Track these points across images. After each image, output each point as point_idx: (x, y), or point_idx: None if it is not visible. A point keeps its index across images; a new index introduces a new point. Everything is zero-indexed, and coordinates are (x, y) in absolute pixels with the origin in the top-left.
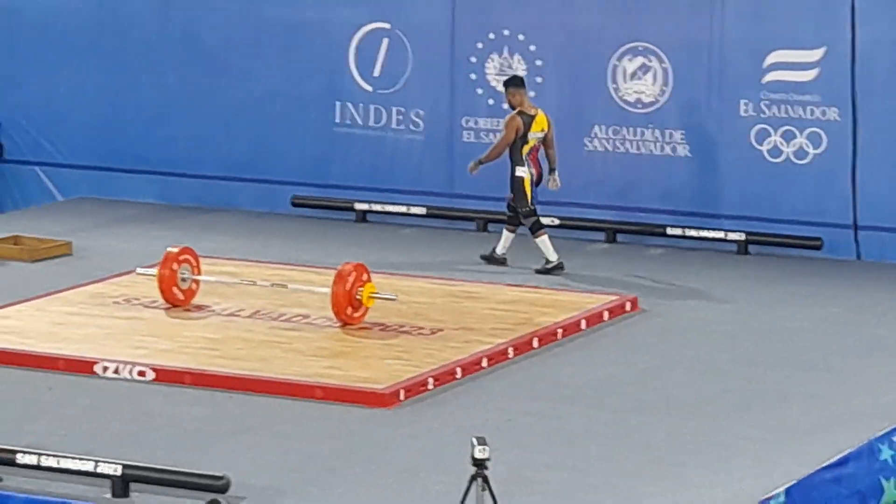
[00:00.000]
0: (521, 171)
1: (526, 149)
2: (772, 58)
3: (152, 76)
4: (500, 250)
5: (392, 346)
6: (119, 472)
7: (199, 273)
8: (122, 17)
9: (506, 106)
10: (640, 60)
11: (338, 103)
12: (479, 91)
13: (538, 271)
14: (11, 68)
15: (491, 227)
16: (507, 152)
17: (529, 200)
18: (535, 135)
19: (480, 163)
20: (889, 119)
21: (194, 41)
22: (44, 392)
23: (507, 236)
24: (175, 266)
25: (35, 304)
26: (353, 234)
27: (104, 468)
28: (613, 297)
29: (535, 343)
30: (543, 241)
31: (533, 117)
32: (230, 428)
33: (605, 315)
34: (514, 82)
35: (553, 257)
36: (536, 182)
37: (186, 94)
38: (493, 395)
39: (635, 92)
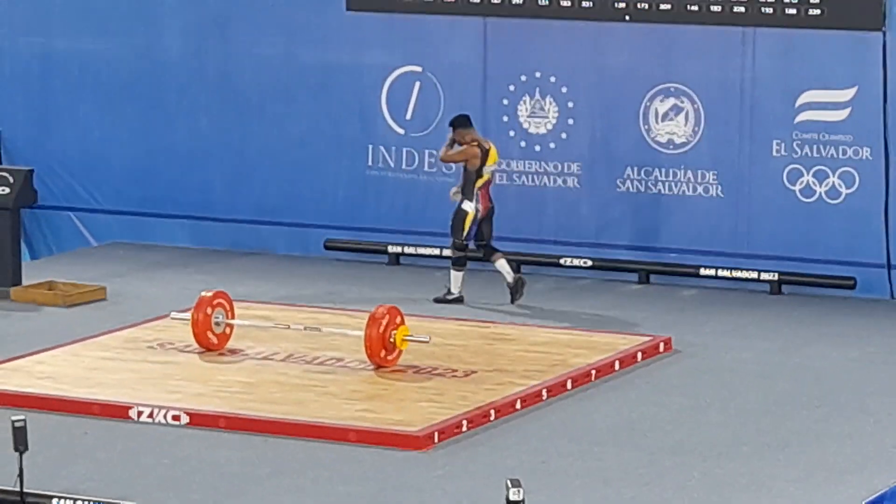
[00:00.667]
0: (468, 206)
1: (480, 182)
2: (803, 98)
3: (186, 121)
4: (509, 278)
5: (426, 388)
6: None
7: (232, 317)
8: (157, 63)
9: (538, 148)
10: (671, 101)
11: (370, 146)
12: (512, 133)
13: (436, 300)
14: (46, 114)
15: (524, 268)
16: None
17: (464, 235)
18: (489, 168)
19: (458, 204)
20: None
21: (228, 85)
22: (79, 437)
23: (501, 265)
24: (209, 310)
25: (70, 350)
26: (386, 276)
27: None
28: (647, 339)
29: (569, 385)
30: (458, 275)
31: (487, 151)
32: (265, 472)
33: (639, 356)
34: (461, 122)
35: (456, 290)
36: (489, 215)
37: (220, 139)
38: (526, 437)
39: (667, 133)
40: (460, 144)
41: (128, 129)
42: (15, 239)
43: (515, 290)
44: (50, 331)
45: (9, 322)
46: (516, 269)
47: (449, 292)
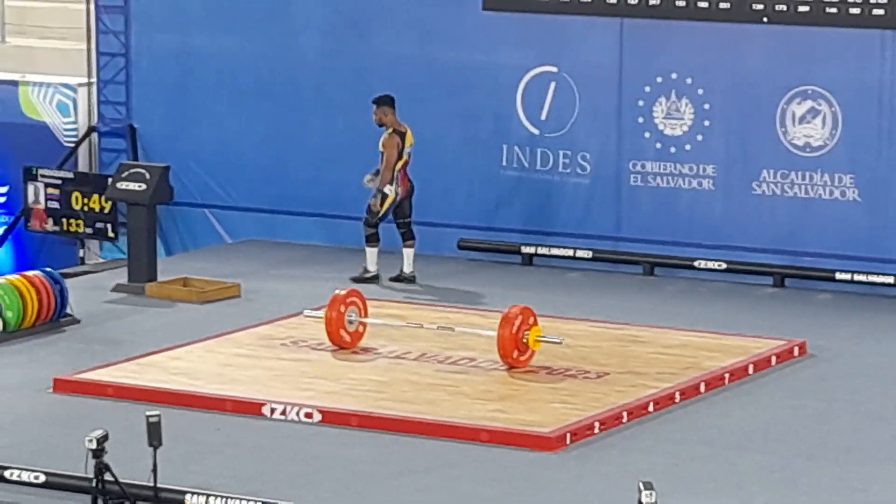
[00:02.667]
0: (388, 189)
1: (399, 164)
2: None
3: (321, 119)
4: (406, 269)
5: (558, 389)
6: None
7: (365, 316)
8: (293, 61)
9: (673, 149)
10: (808, 104)
11: (504, 146)
12: (647, 134)
13: (353, 279)
14: (183, 112)
15: (658, 270)
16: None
17: (380, 216)
18: (407, 150)
19: (379, 191)
20: None
21: (363, 84)
22: (212, 433)
23: (408, 253)
24: (342, 308)
25: (204, 346)
26: (520, 277)
27: None
28: (781, 342)
29: (702, 388)
30: (372, 252)
31: (404, 134)
32: (396, 470)
33: (773, 360)
34: (386, 101)
35: (373, 269)
36: (409, 194)
37: (354, 137)
38: (659, 440)
39: (804, 136)
40: (381, 125)
41: (263, 127)
42: (150, 235)
43: (399, 279)
44: (184, 327)
45: (144, 318)
46: (649, 272)
47: (366, 270)
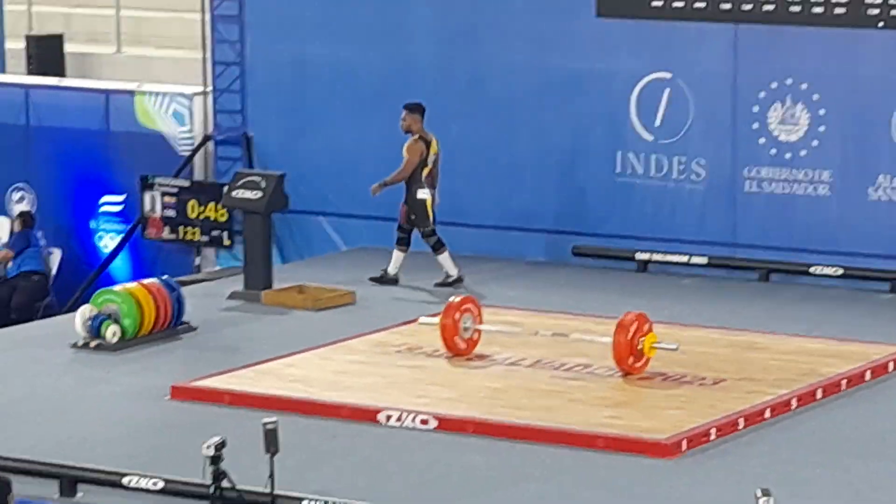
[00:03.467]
0: (423, 194)
1: (425, 172)
2: None
3: (436, 127)
4: (391, 270)
5: (674, 396)
6: None
7: (480, 322)
8: (408, 69)
9: (789, 155)
10: None
11: (619, 153)
12: (762, 140)
13: (438, 284)
14: (299, 120)
15: (773, 276)
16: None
17: (431, 220)
18: (432, 158)
19: (385, 185)
20: None
21: (477, 92)
22: (328, 440)
23: (397, 256)
24: (457, 316)
25: (319, 353)
26: (634, 283)
27: None
28: None
29: (819, 394)
30: (445, 257)
31: (429, 142)
32: (512, 477)
33: (890, 366)
34: (418, 108)
35: (454, 272)
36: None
37: (469, 145)
38: (775, 447)
39: None
40: (408, 131)
41: (378, 135)
42: (266, 243)
43: (382, 280)
44: (299, 334)
45: (260, 325)
46: (765, 278)
47: (448, 276)
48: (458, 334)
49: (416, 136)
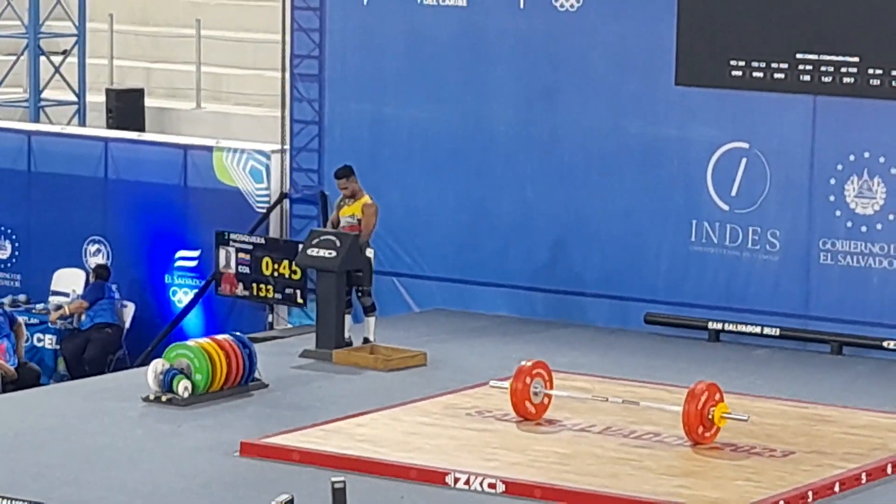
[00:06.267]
0: (370, 253)
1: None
2: None
3: (511, 189)
4: (370, 335)
5: (743, 467)
6: None
7: (551, 387)
8: (485, 130)
9: (865, 228)
10: None
11: (694, 221)
12: (838, 213)
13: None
14: (375, 179)
15: (846, 349)
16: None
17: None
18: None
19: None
20: None
21: (554, 155)
22: (396, 501)
23: (347, 319)
24: (528, 380)
25: (389, 414)
26: (706, 352)
27: None
28: None
29: (889, 469)
30: (373, 321)
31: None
32: None
33: None
34: (351, 170)
35: (372, 337)
36: None
37: (544, 208)
38: None
39: None
40: (351, 197)
41: (453, 196)
42: (339, 302)
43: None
44: (370, 394)
45: (330, 384)
46: (837, 351)
47: (366, 340)
48: (529, 398)
49: (368, 197)
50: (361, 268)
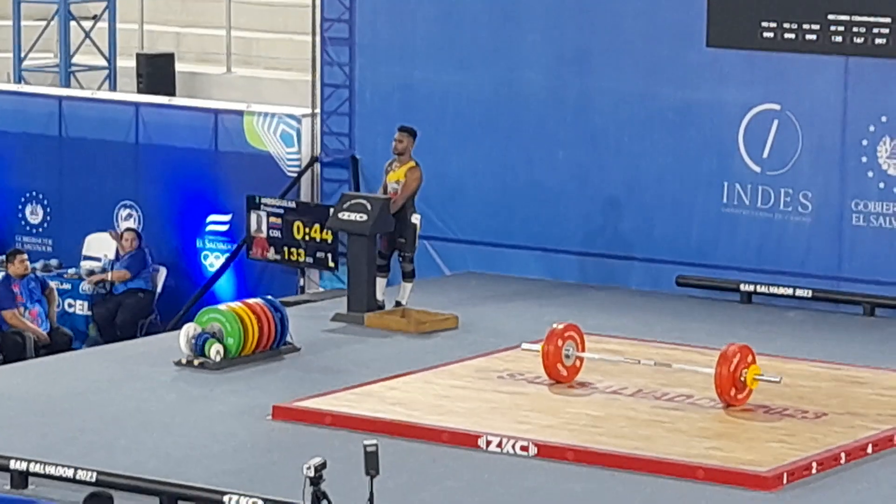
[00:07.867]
0: (416, 219)
1: (415, 197)
2: None
3: (543, 154)
4: (378, 297)
5: (776, 428)
6: None
7: (583, 350)
8: (517, 94)
9: (883, 185)
10: None
11: (726, 184)
12: (870, 174)
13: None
14: None
15: (879, 311)
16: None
17: (416, 247)
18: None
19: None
20: None
21: (586, 120)
22: (428, 464)
23: (381, 283)
24: (560, 343)
25: (421, 377)
26: (738, 315)
27: None
28: None
29: None
30: (407, 287)
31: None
32: None
33: None
34: (414, 132)
35: (405, 301)
36: None
37: (576, 173)
38: (877, 482)
39: None
40: (400, 154)
41: (485, 161)
42: (371, 266)
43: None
44: (402, 358)
45: (363, 348)
46: (870, 312)
47: (398, 303)
48: (561, 361)
49: (414, 162)
50: (405, 234)
